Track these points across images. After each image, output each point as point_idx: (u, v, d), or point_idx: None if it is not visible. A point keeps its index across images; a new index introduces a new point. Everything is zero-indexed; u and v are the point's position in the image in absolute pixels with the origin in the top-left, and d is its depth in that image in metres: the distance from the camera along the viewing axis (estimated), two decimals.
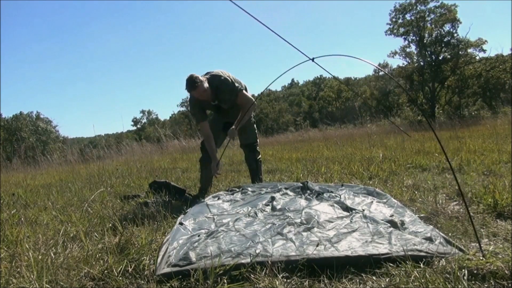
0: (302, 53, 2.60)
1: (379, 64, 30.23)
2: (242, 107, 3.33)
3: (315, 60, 2.75)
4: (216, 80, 3.23)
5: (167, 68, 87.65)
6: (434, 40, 18.44)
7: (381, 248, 1.66)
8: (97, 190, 3.52)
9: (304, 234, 1.86)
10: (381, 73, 29.26)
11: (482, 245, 1.71)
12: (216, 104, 3.39)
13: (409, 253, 1.59)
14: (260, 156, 3.62)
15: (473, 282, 1.38)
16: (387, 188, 3.19)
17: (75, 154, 9.64)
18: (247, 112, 3.30)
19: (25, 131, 24.02)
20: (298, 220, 2.06)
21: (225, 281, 1.49)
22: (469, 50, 18.44)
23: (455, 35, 18.16)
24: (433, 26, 18.29)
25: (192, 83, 3.07)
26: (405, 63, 20.01)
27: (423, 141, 7.09)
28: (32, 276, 1.55)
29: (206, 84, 3.14)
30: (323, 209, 2.30)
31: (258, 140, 3.62)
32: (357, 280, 1.48)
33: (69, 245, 1.95)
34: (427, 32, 18.38)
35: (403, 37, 19.14)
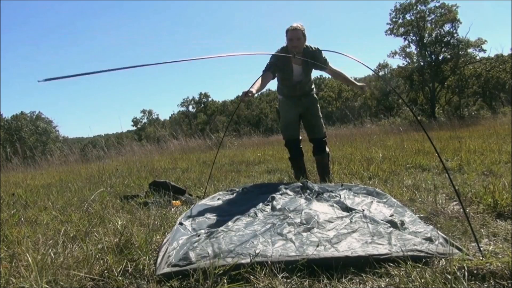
0: (285, 55, 2.62)
1: (379, 64, 30.17)
2: (337, 74, 3.59)
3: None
4: (313, 48, 3.48)
5: (167, 68, 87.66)
6: (434, 40, 18.42)
7: (381, 248, 1.66)
8: (97, 190, 3.52)
9: (304, 234, 1.86)
10: (380, 73, 29.25)
11: (482, 245, 1.71)
12: (294, 82, 3.50)
13: (409, 253, 1.59)
14: (328, 150, 3.67)
15: (473, 282, 1.38)
16: (387, 188, 3.19)
17: (75, 154, 9.65)
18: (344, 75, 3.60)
19: (24, 131, 24.01)
20: (298, 220, 2.06)
21: (225, 281, 1.49)
22: (469, 50, 18.42)
23: (455, 35, 18.14)
24: (433, 26, 18.27)
25: (295, 27, 3.32)
26: (405, 63, 20.01)
27: (423, 141, 7.09)
28: (32, 276, 1.55)
29: (304, 36, 3.39)
30: (323, 209, 2.30)
31: (326, 134, 3.70)
32: (357, 280, 1.48)
33: (69, 245, 1.95)
34: (427, 32, 18.36)
35: (403, 37, 19.13)
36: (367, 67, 2.62)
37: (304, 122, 3.71)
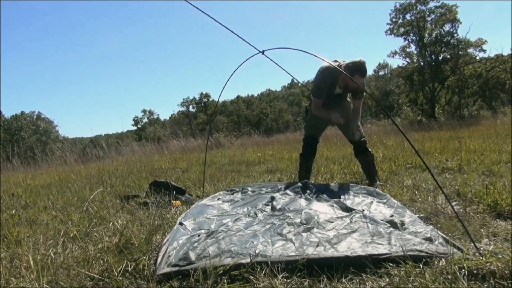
0: (252, 46, 2.61)
1: (379, 64, 30.17)
2: (355, 107, 3.54)
3: (265, 53, 2.79)
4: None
5: (167, 68, 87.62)
6: (434, 40, 18.40)
7: (380, 248, 1.66)
8: (97, 190, 3.52)
9: (304, 234, 1.86)
10: (381, 72, 29.26)
11: (482, 245, 1.71)
12: (333, 94, 3.51)
13: (409, 253, 1.59)
14: (370, 150, 3.68)
15: (473, 282, 1.38)
16: (387, 188, 3.19)
17: (75, 154, 9.65)
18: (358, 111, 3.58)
19: (25, 131, 24.00)
20: (298, 220, 2.06)
21: (225, 281, 1.49)
22: (469, 50, 18.40)
23: (455, 35, 18.13)
24: (433, 26, 18.25)
25: (366, 70, 3.30)
26: (405, 63, 19.99)
27: (423, 141, 7.09)
28: (32, 276, 1.55)
29: None
30: (323, 209, 2.30)
31: (364, 134, 3.70)
32: (357, 280, 1.48)
33: (69, 245, 1.95)
34: (427, 32, 18.35)
35: (403, 37, 19.11)
36: (341, 70, 2.57)
37: (340, 126, 3.72)
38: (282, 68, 3.34)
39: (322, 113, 3.51)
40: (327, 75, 3.39)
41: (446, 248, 1.64)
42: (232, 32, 2.30)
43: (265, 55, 3.12)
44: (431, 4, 18.17)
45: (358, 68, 3.23)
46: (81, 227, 2.33)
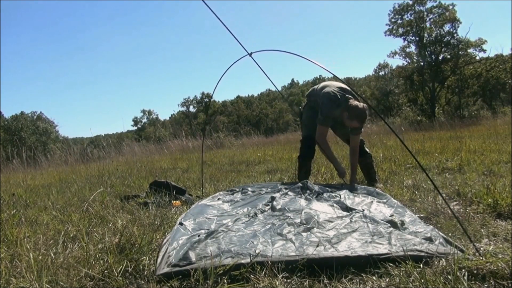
0: (242, 46, 2.60)
1: (379, 64, 30.15)
2: (353, 148, 3.59)
3: (252, 55, 2.76)
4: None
5: (166, 69, 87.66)
6: (434, 40, 18.40)
7: (381, 248, 1.66)
8: (97, 190, 3.52)
9: (304, 234, 1.86)
10: (381, 72, 29.25)
11: (482, 245, 1.71)
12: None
13: (409, 253, 1.59)
14: (369, 150, 3.71)
15: (473, 282, 1.38)
16: (387, 188, 3.19)
17: (76, 154, 9.66)
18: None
19: (25, 132, 23.99)
20: (298, 220, 2.06)
21: (225, 281, 1.49)
22: (469, 50, 18.38)
23: (455, 35, 18.12)
24: (432, 26, 18.25)
25: (366, 118, 3.38)
26: (405, 63, 19.98)
27: (423, 141, 7.09)
28: (32, 276, 1.55)
29: None
30: (323, 209, 2.30)
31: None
32: (357, 280, 1.48)
33: (69, 245, 1.96)
34: (426, 32, 18.34)
35: (402, 37, 19.11)
36: (314, 62, 2.48)
37: (337, 128, 3.73)
38: (264, 72, 3.33)
39: (323, 144, 3.56)
40: (335, 108, 3.40)
41: (446, 248, 1.65)
42: (227, 28, 2.30)
43: (252, 58, 3.12)
44: (429, 4, 18.17)
45: (359, 115, 3.30)
46: (81, 227, 2.33)
